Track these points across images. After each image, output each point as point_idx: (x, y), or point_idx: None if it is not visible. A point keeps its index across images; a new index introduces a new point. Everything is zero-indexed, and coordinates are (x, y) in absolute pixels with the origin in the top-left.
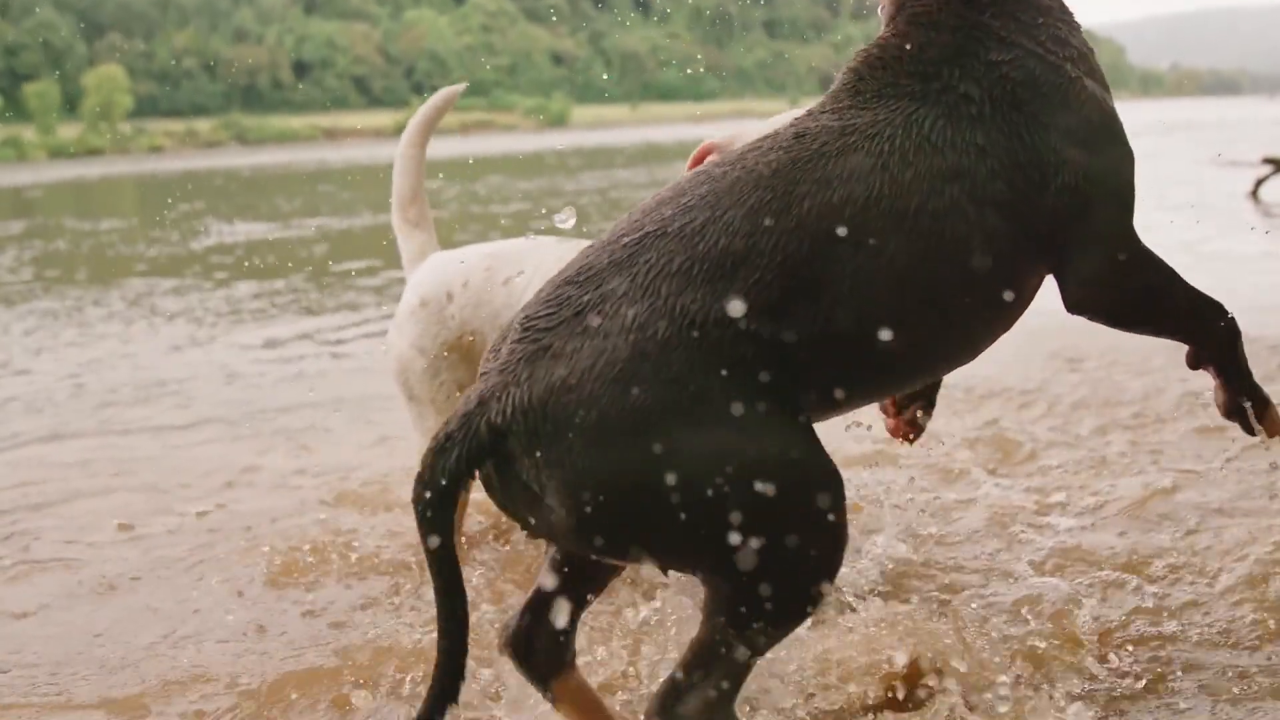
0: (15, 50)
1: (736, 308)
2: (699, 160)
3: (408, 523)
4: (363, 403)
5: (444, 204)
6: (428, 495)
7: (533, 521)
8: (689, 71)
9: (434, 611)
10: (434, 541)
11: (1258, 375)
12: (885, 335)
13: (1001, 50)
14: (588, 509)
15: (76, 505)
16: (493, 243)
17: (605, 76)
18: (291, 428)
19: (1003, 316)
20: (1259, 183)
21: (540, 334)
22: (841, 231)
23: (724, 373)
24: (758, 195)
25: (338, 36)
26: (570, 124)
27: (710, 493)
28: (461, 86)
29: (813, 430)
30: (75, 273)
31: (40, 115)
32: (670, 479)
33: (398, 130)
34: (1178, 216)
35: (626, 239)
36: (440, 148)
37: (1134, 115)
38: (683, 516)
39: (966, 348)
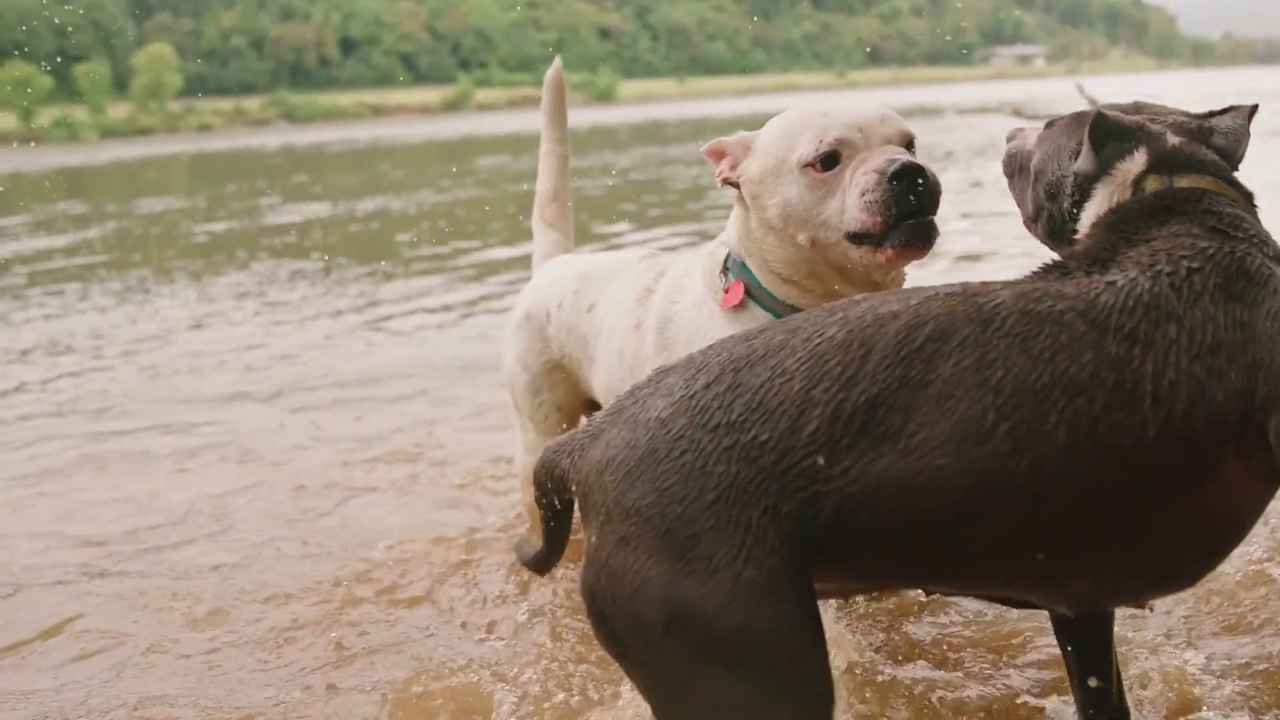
0: (65, 31)
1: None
2: (716, 155)
3: None
4: None
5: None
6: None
7: None
8: (736, 45)
9: None
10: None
11: None
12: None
13: (1198, 243)
14: (591, 578)
15: None
16: (596, 256)
17: (652, 51)
18: None
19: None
20: None
21: (615, 407)
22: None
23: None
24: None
25: (384, 13)
26: (618, 99)
27: (668, 633)
28: (557, 62)
29: (818, 619)
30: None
31: (91, 95)
32: (640, 595)
33: (445, 106)
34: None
35: (758, 348)
36: (481, 125)
37: (1188, 86)
38: (638, 640)
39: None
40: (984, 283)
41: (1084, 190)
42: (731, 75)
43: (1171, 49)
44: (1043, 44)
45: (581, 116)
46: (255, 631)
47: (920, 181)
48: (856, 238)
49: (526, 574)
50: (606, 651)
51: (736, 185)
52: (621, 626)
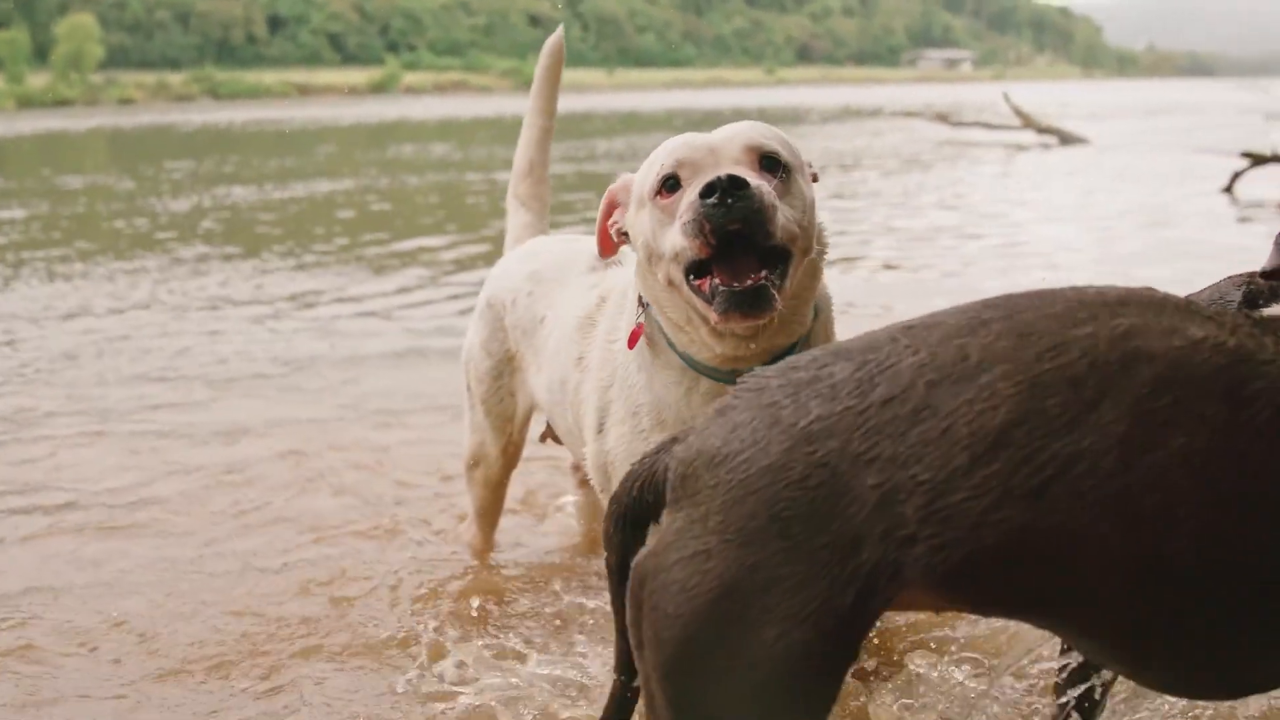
0: None
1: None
2: (610, 208)
3: None
4: None
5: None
6: (614, 515)
7: None
8: (666, 38)
9: None
10: (611, 560)
11: None
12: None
13: None
14: (650, 568)
15: None
16: (548, 249)
17: (582, 40)
18: None
19: None
20: (1235, 177)
21: (758, 384)
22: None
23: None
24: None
25: None
26: None
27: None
28: (559, 31)
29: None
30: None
31: (9, 63)
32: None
33: (372, 88)
34: (1153, 210)
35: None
36: (408, 108)
37: (1111, 96)
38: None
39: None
40: (1250, 333)
41: None
42: (661, 68)
43: (1096, 58)
44: (970, 48)
45: (508, 105)
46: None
47: (739, 194)
48: (690, 271)
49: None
50: (630, 632)
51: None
52: (649, 633)
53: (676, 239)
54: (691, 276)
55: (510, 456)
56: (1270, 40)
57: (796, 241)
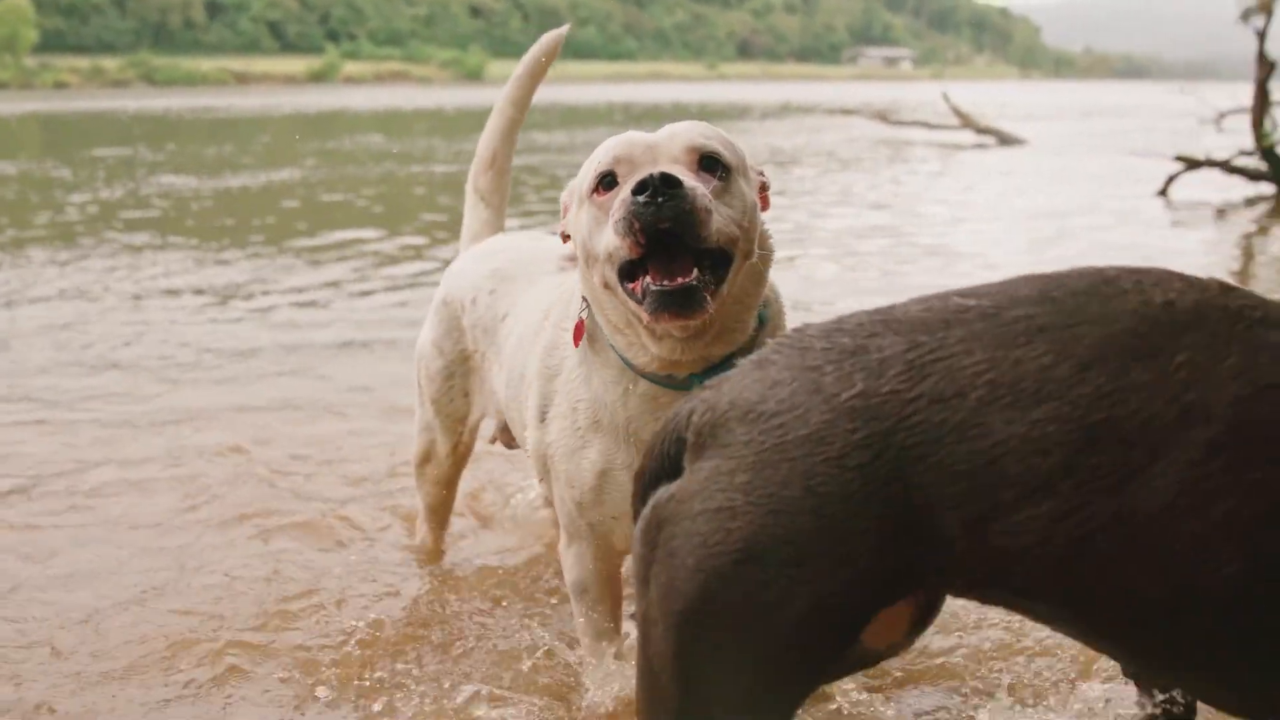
0: None
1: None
2: (565, 212)
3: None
4: None
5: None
6: (639, 485)
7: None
8: (608, 30)
9: None
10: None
11: None
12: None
13: None
14: (668, 513)
15: None
16: (514, 246)
17: (523, 31)
18: None
19: None
20: (1170, 180)
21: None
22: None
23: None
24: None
25: None
26: (486, 78)
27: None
28: (565, 29)
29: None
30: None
31: None
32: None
33: (311, 77)
34: (1088, 212)
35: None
36: (348, 98)
37: (1049, 97)
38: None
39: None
40: None
41: None
42: (602, 61)
43: (1034, 59)
44: (910, 47)
45: (448, 96)
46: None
47: (671, 193)
48: (622, 272)
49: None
50: (636, 568)
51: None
52: (662, 578)
53: (610, 238)
54: (625, 281)
55: (461, 455)
56: (1204, 45)
57: (736, 244)
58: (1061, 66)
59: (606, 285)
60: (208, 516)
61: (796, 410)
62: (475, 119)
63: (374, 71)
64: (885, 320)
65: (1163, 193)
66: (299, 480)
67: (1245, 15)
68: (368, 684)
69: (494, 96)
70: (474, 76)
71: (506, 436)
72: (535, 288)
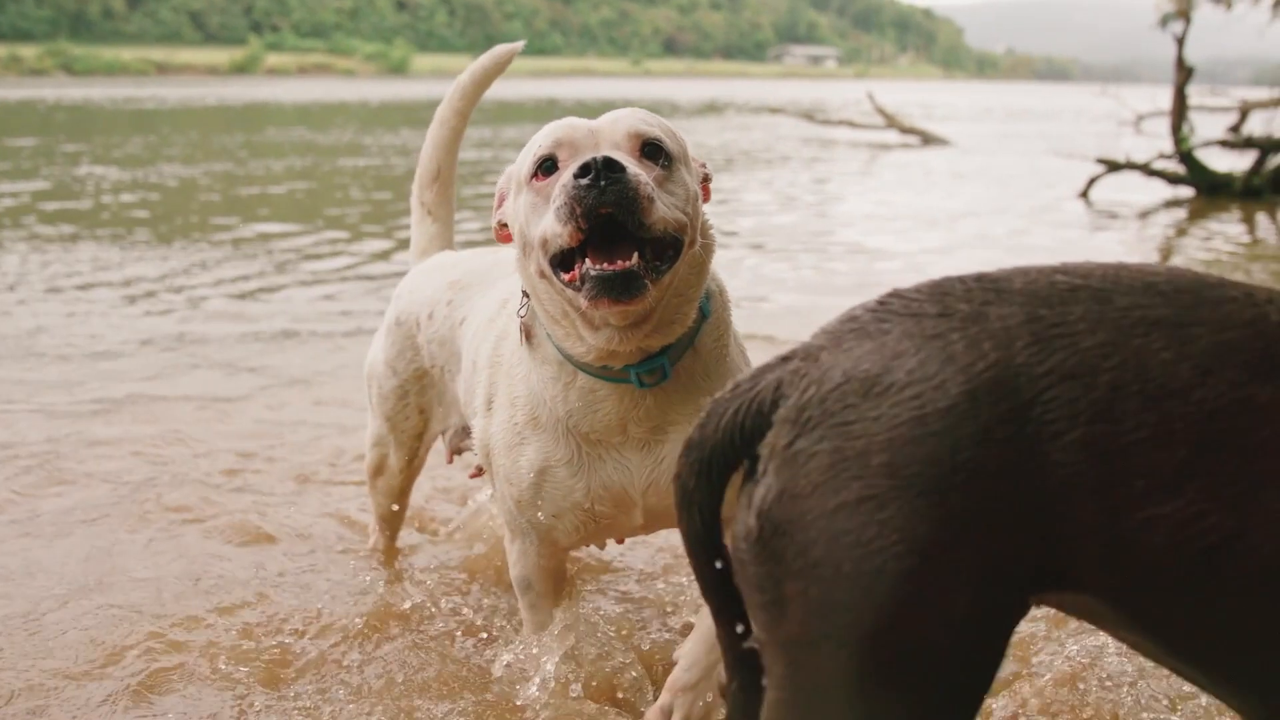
0: None
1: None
2: (500, 203)
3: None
4: None
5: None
6: (694, 463)
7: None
8: (533, 25)
9: None
10: (692, 523)
11: None
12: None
13: None
14: (784, 516)
15: None
16: (471, 260)
17: (448, 26)
18: None
19: None
20: (1091, 182)
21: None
22: None
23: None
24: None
25: None
26: (410, 72)
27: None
28: (519, 44)
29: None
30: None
31: None
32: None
33: (233, 68)
34: (1011, 214)
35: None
36: (271, 91)
37: (972, 98)
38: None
39: None
40: None
41: None
42: (527, 56)
43: (958, 60)
44: (835, 46)
45: (373, 90)
46: None
47: (614, 177)
48: (558, 260)
49: None
50: (748, 590)
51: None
52: (808, 593)
53: (550, 223)
54: (561, 270)
55: (414, 469)
56: (1123, 48)
57: (682, 232)
58: (984, 67)
59: (543, 274)
60: (138, 512)
61: (932, 380)
62: (400, 113)
63: (297, 63)
64: (993, 288)
65: (1084, 194)
66: (230, 477)
67: (1163, 21)
68: (307, 687)
69: (419, 90)
70: (399, 70)
71: (456, 443)
72: (494, 290)
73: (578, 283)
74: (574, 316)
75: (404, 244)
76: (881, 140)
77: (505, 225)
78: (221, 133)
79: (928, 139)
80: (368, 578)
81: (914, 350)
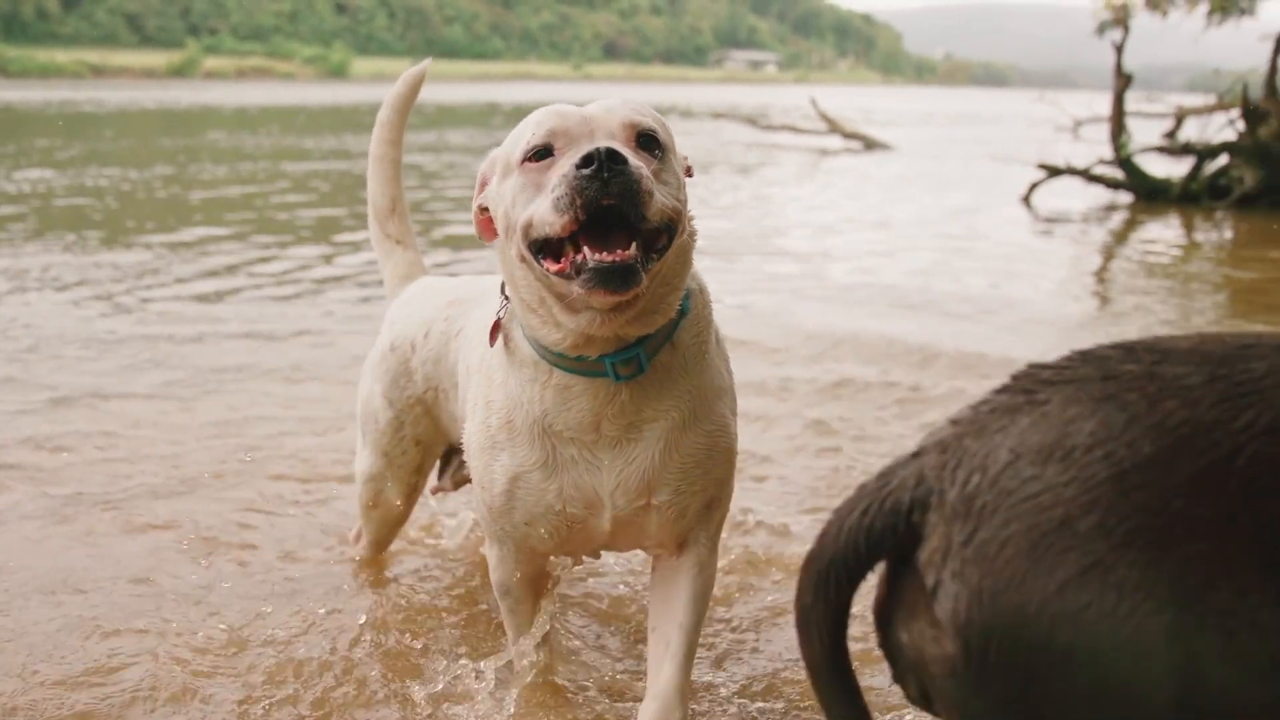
0: None
1: None
2: (481, 188)
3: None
4: None
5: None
6: (817, 576)
7: (900, 642)
8: (474, 29)
9: None
10: (816, 646)
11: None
12: None
13: None
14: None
15: None
16: (469, 280)
17: (388, 29)
18: None
19: None
20: (1032, 187)
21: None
22: None
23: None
24: None
25: None
26: (350, 76)
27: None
28: (426, 64)
29: None
30: None
31: None
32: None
33: (170, 71)
34: (955, 218)
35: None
36: (210, 94)
37: (912, 103)
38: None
39: None
40: None
41: None
42: (468, 60)
43: (896, 65)
44: (775, 51)
45: (313, 93)
46: None
47: (617, 169)
48: (537, 247)
49: None
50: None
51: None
52: (1061, 690)
53: (544, 211)
54: (541, 258)
55: (413, 500)
56: (1059, 55)
57: (676, 221)
58: (923, 72)
59: (523, 259)
60: (88, 517)
61: (1121, 438)
62: (340, 117)
63: (236, 67)
64: (1158, 350)
65: (1026, 199)
66: (210, 478)
67: (1101, 28)
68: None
69: (359, 94)
70: (338, 74)
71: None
72: (490, 301)
73: (569, 271)
74: (551, 302)
75: (346, 247)
76: (825, 145)
77: (486, 210)
78: (164, 136)
79: (870, 144)
80: (353, 585)
81: (1088, 413)
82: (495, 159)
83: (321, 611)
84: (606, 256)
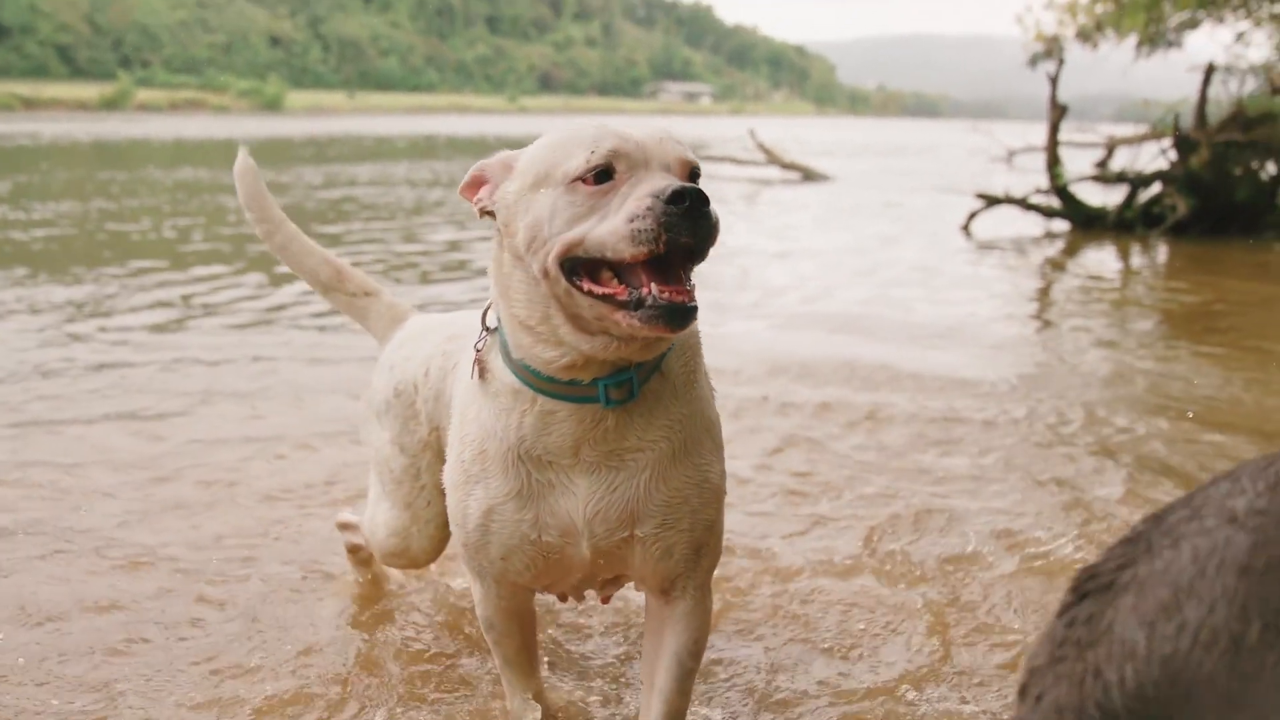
0: None
1: None
2: (476, 185)
3: None
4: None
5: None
6: None
7: None
8: (409, 62)
9: None
10: None
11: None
12: None
13: None
14: None
15: None
16: (465, 316)
17: (323, 62)
18: None
19: None
20: (971, 216)
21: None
22: None
23: None
24: None
25: (41, 1)
26: (285, 109)
27: None
28: (243, 156)
29: None
30: None
31: None
32: None
33: (103, 104)
34: (896, 247)
35: None
36: (144, 127)
37: (847, 134)
38: None
39: None
40: None
41: None
42: (403, 92)
43: (830, 96)
44: (709, 83)
45: (249, 126)
46: None
47: (701, 210)
48: (568, 265)
49: None
50: None
51: (493, 214)
52: None
53: (610, 237)
54: (577, 278)
55: (439, 551)
56: (990, 86)
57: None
58: (856, 103)
59: (547, 274)
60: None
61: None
62: (276, 149)
63: (169, 99)
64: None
65: (965, 228)
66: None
67: (1033, 60)
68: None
69: (294, 127)
70: (273, 107)
71: None
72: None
73: (629, 301)
74: (559, 320)
75: (290, 276)
76: (763, 176)
77: (481, 211)
78: (101, 169)
79: (809, 175)
80: (336, 622)
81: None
82: (507, 163)
83: (299, 649)
84: (676, 296)
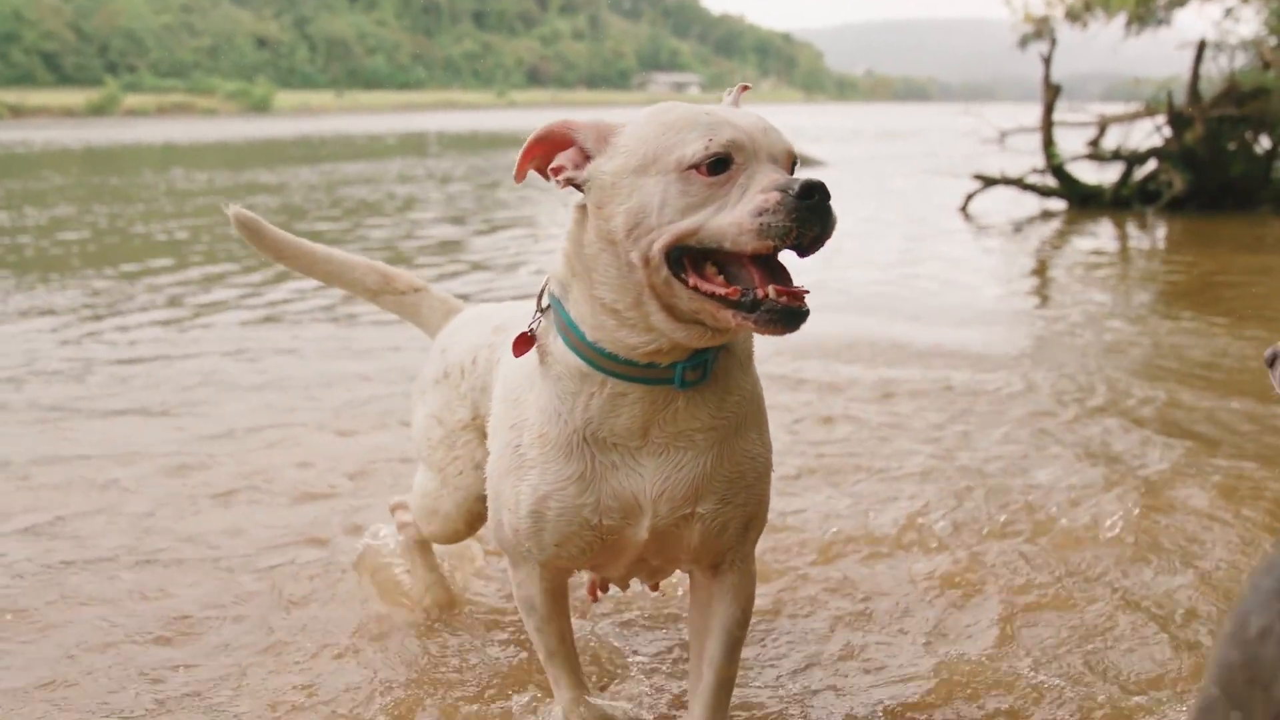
0: None
1: None
2: (547, 145)
3: None
4: None
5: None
6: None
7: None
8: (396, 59)
9: None
10: None
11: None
12: None
13: None
14: None
15: None
16: (512, 306)
17: (310, 61)
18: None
19: None
20: (969, 197)
21: None
22: None
23: None
24: None
25: (25, 9)
26: (273, 110)
27: None
28: (233, 210)
29: None
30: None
31: None
32: None
33: (90, 110)
34: (894, 231)
35: None
36: (133, 132)
37: (838, 120)
38: None
39: None
40: None
41: None
42: (391, 90)
43: (819, 83)
44: (697, 72)
45: (240, 128)
46: None
47: (827, 205)
48: (672, 254)
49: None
50: None
51: (580, 187)
52: None
53: (733, 229)
54: (678, 265)
55: (474, 526)
56: (979, 69)
57: None
58: (844, 89)
59: (648, 262)
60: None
61: None
62: (268, 150)
63: (157, 104)
64: None
65: (963, 209)
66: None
67: (1024, 41)
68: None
69: (283, 127)
70: (261, 108)
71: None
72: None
73: (744, 301)
74: (651, 308)
75: (287, 274)
76: None
77: (564, 181)
78: (96, 175)
79: (803, 160)
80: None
81: None
82: (610, 138)
83: (343, 647)
84: (793, 301)
